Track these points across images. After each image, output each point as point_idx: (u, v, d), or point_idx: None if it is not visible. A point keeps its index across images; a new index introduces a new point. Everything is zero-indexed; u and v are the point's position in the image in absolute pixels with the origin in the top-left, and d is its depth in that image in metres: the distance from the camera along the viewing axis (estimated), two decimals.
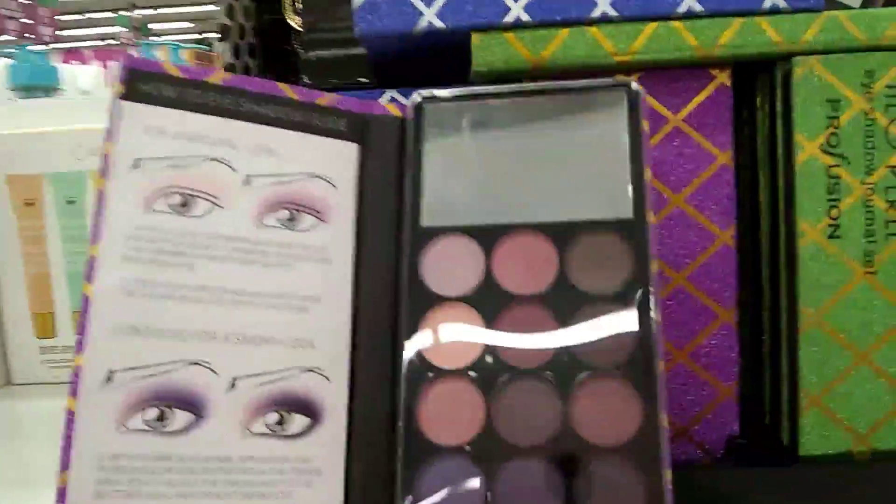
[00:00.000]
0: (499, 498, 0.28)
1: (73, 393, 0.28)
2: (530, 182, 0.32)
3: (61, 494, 0.28)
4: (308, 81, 0.45)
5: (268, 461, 0.29)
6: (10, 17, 5.58)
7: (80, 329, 0.28)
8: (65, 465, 0.28)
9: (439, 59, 0.38)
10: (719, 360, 0.37)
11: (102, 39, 8.15)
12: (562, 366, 0.29)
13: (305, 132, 0.32)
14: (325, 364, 0.30)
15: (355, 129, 0.33)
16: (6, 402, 0.67)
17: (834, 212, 0.35)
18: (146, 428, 0.28)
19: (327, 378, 0.30)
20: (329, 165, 0.32)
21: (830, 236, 0.35)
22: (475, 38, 0.36)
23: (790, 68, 0.35)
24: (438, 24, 0.36)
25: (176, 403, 0.29)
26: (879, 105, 0.35)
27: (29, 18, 5.75)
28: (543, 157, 0.32)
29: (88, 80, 1.50)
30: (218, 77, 0.32)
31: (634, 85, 0.32)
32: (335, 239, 0.32)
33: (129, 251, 0.29)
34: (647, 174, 0.31)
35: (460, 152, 0.33)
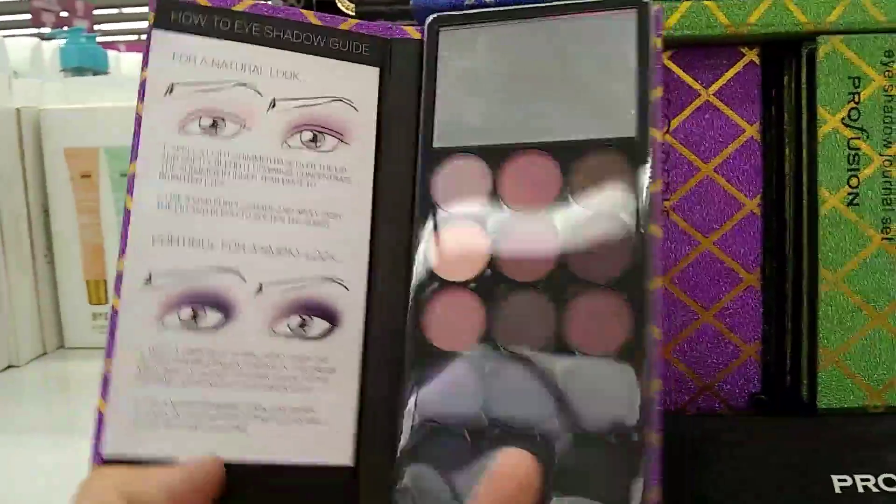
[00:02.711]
0: (496, 394, 0.30)
1: (117, 292, 0.30)
2: (539, 102, 0.32)
3: (105, 380, 0.30)
4: None
5: (290, 359, 0.32)
6: (48, 10, 5.66)
7: (123, 237, 0.31)
8: (108, 354, 0.30)
9: None
10: (743, 320, 0.40)
11: (137, 34, 8.25)
12: (558, 279, 0.30)
13: (328, 57, 0.34)
14: (344, 275, 0.33)
15: (376, 53, 0.35)
16: (59, 363, 0.70)
17: (853, 181, 0.38)
18: (182, 324, 0.31)
19: (346, 288, 0.33)
20: (351, 89, 0.34)
21: (850, 204, 0.38)
22: None
23: (815, 47, 0.38)
24: None
25: (208, 304, 0.31)
26: None
27: (66, 11, 5.83)
28: (553, 78, 0.33)
29: (130, 66, 1.54)
30: (243, 5, 0.33)
31: (644, 7, 0.32)
32: (356, 159, 0.34)
33: (164, 169, 0.31)
34: (655, 93, 0.31)
35: (473, 74, 0.34)
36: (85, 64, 1.01)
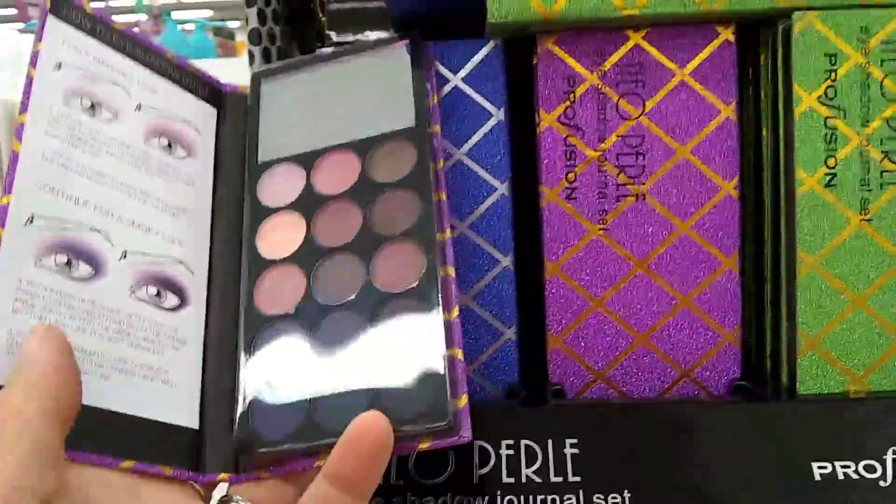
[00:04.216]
0: (319, 340, 0.35)
1: (2, 224, 0.32)
2: (340, 119, 0.41)
3: None
4: (332, 35, 0.47)
5: (148, 322, 0.35)
6: (33, 4, 5.62)
7: (10, 174, 0.33)
8: None
9: (457, 11, 0.40)
10: (722, 305, 0.39)
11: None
12: (364, 240, 0.36)
13: (180, 87, 0.41)
14: (190, 260, 0.38)
15: (214, 97, 0.42)
16: None
17: (831, 161, 0.37)
18: (57, 269, 0.33)
19: (192, 272, 0.38)
20: (196, 116, 0.41)
21: (827, 185, 0.37)
22: None
23: (790, 24, 0.37)
24: None
25: (81, 256, 0.34)
26: (874, 60, 0.37)
27: None
28: (351, 102, 0.41)
29: None
30: (118, 25, 0.39)
31: (414, 38, 0.41)
32: (199, 170, 0.40)
33: (49, 128, 0.34)
34: (432, 99, 0.39)
35: (288, 108, 0.42)
36: None
